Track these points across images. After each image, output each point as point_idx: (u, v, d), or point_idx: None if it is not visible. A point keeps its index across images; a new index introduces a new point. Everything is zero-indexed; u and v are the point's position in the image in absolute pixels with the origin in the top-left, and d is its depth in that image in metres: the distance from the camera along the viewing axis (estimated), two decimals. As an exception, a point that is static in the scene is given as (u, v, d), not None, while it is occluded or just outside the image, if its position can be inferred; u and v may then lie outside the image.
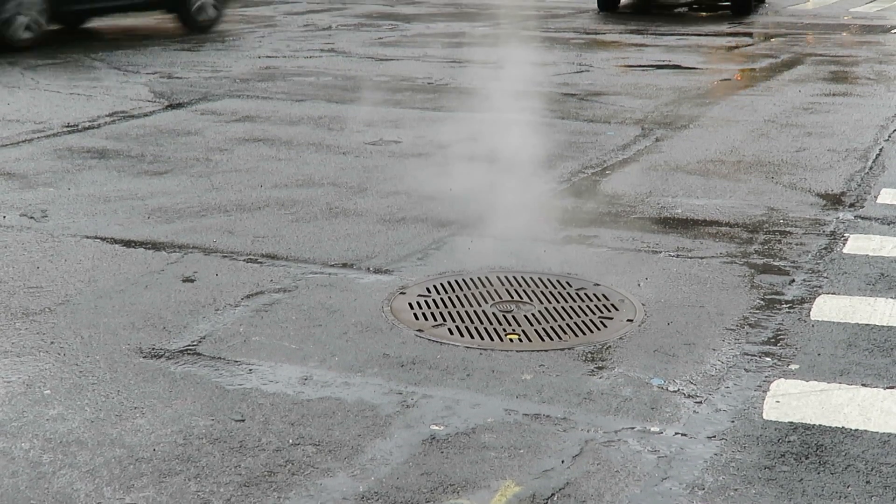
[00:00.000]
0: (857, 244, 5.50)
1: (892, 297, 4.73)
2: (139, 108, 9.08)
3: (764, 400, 3.72)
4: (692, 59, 11.96)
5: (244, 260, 5.20)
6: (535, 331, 4.37)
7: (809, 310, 4.58)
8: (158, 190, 6.53)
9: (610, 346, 4.21)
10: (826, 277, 5.00)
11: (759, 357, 4.09)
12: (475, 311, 4.57)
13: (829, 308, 4.60)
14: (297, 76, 10.82)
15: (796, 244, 5.50)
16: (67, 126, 8.34)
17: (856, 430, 3.52)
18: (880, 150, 7.66)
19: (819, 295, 4.75)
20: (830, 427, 3.53)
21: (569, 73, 11.11)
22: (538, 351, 4.16)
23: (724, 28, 15.38)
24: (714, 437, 3.46)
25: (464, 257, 5.27)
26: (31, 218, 5.93)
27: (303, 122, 8.57)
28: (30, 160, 7.27)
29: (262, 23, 16.03)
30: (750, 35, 14.51)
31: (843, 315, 4.52)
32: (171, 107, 9.18)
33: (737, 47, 13.30)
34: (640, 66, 11.58)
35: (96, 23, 14.88)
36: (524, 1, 20.18)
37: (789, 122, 8.61)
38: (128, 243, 5.46)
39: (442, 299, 4.71)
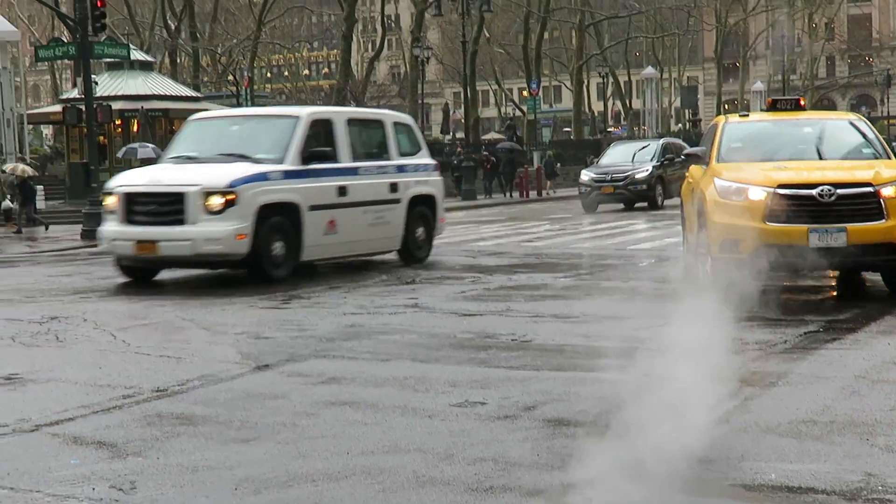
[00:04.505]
0: (962, 514, 5.32)
1: None
2: (227, 370, 9.21)
3: None
4: (772, 311, 11.89)
5: (331, 536, 5.15)
6: None
7: (917, 590, 4.40)
8: (246, 459, 6.55)
9: None
10: (932, 552, 4.82)
11: None
12: (568, 593, 4.45)
13: (937, 588, 4.41)
14: (382, 334, 10.95)
15: (898, 514, 5.33)
16: (157, 391, 8.46)
17: None
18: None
19: (926, 573, 4.57)
20: None
21: (651, 326, 11.09)
22: None
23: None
24: None
25: (554, 531, 5.16)
26: (120, 490, 5.96)
27: (388, 384, 8.61)
28: (120, 427, 7.36)
29: (347, 277, 16.35)
30: (832, 277, 14.43)
31: None
32: (259, 369, 9.30)
33: (818, 289, 13.26)
34: (724, 317, 11.49)
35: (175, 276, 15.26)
36: (603, 249, 20.42)
37: (881, 378, 8.48)
38: (215, 518, 5.44)
39: (533, 579, 4.60)
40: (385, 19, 72.47)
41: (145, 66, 49.09)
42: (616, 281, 15.06)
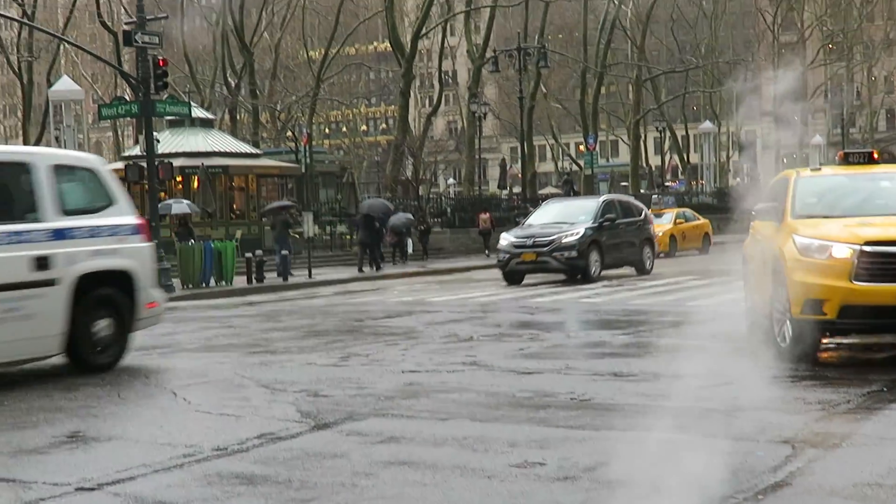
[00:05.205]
0: None
1: None
2: (286, 429, 9.24)
3: None
4: (834, 369, 11.74)
5: None
6: None
7: None
8: (305, 520, 6.55)
9: None
10: None
11: None
12: None
13: None
14: (441, 392, 10.93)
15: (968, 582, 5.22)
16: (217, 449, 8.49)
17: None
18: None
19: None
20: None
21: (711, 385, 10.99)
22: None
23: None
24: None
25: None
26: (181, 551, 5.97)
27: (447, 444, 8.59)
28: (180, 487, 7.39)
29: (405, 334, 16.38)
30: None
31: None
32: (318, 427, 9.31)
33: (881, 347, 13.08)
34: (786, 376, 11.40)
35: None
36: (662, 305, 20.30)
37: (947, 440, 8.33)
38: (275, 580, 5.44)
39: None
40: (442, 75, 73.02)
41: (206, 123, 49.80)
42: (675, 338, 14.94)
